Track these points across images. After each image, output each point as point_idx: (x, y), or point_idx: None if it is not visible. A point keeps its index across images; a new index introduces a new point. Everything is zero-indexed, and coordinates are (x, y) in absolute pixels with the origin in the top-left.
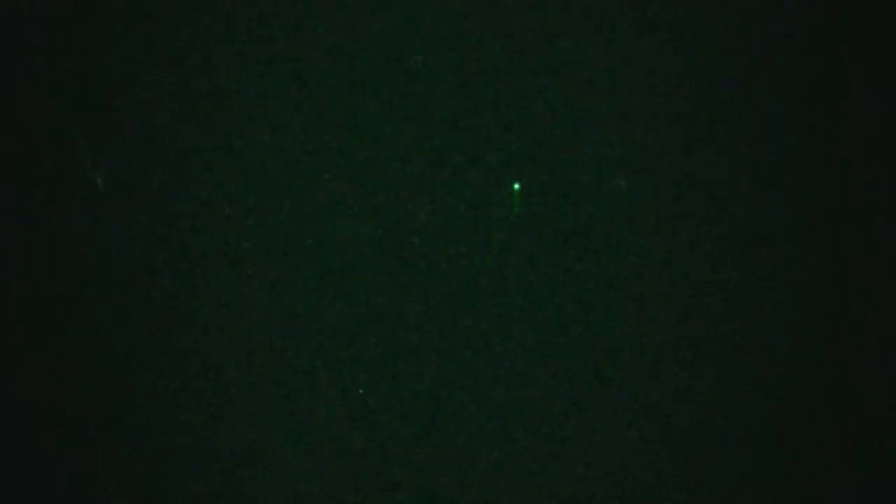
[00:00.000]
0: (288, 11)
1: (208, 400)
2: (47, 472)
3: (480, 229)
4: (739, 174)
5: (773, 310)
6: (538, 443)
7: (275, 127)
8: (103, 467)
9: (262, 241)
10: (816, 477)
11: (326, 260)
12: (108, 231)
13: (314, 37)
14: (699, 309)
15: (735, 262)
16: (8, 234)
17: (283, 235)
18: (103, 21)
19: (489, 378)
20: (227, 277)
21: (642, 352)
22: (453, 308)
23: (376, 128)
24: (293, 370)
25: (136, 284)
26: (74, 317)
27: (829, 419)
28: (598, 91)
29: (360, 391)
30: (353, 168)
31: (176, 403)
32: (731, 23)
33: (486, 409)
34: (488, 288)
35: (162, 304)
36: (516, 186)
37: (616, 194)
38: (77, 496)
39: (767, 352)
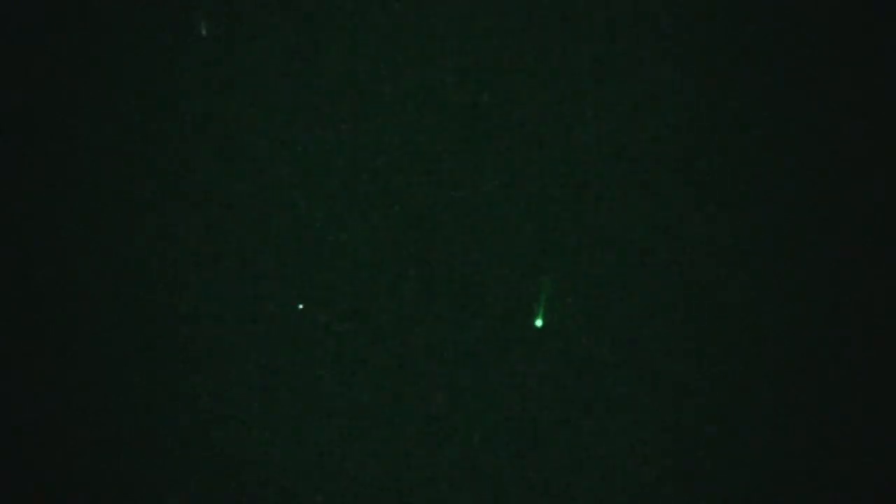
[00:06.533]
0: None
1: (208, 401)
2: (47, 472)
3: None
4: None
5: (786, 317)
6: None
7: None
8: (104, 468)
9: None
10: (816, 477)
11: (335, 267)
12: (107, 231)
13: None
14: (710, 323)
15: (743, 272)
16: (8, 234)
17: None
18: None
19: (493, 381)
20: (227, 279)
21: (644, 358)
22: (456, 311)
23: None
24: (293, 375)
25: (137, 284)
26: (74, 318)
27: (829, 419)
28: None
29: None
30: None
31: (175, 404)
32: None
33: (489, 412)
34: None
35: (161, 304)
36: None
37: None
38: (78, 497)
39: (774, 358)
